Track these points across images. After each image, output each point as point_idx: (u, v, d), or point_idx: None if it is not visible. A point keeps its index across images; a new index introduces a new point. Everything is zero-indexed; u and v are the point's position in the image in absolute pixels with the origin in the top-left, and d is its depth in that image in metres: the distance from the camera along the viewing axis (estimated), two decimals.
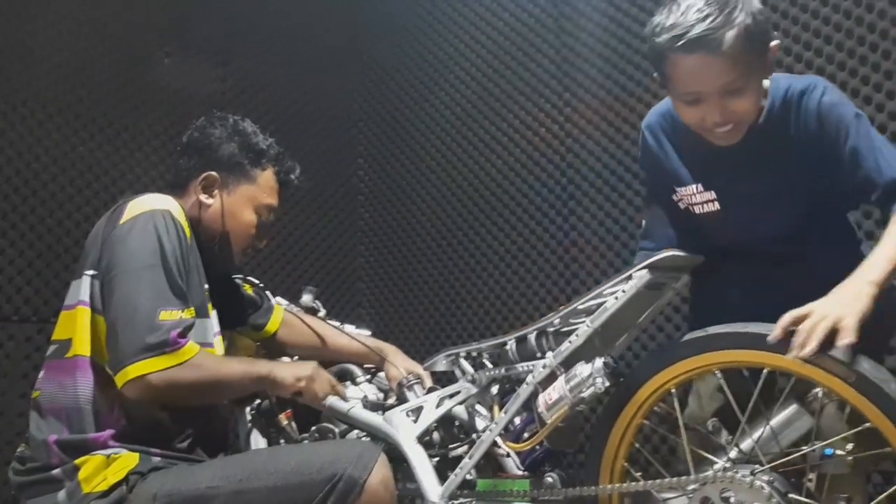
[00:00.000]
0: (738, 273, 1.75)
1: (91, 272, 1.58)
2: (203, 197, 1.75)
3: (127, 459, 1.49)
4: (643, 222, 1.93)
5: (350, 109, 3.76)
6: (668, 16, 1.54)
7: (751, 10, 1.50)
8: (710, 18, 1.48)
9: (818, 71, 2.29)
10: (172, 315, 1.50)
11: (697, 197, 1.73)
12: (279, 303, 2.21)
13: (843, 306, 1.39)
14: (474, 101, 3.29)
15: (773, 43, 1.57)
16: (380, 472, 1.43)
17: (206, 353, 1.55)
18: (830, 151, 1.58)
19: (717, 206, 1.71)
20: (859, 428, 1.42)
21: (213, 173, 1.75)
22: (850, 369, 1.38)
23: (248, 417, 1.94)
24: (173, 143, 2.88)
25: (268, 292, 2.21)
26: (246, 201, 1.79)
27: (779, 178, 1.64)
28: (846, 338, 1.35)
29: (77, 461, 1.48)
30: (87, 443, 1.50)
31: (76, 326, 1.57)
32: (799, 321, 1.42)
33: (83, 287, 1.58)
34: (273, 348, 2.05)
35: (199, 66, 3.18)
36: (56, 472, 1.49)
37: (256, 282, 2.18)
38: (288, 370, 1.67)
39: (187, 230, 1.64)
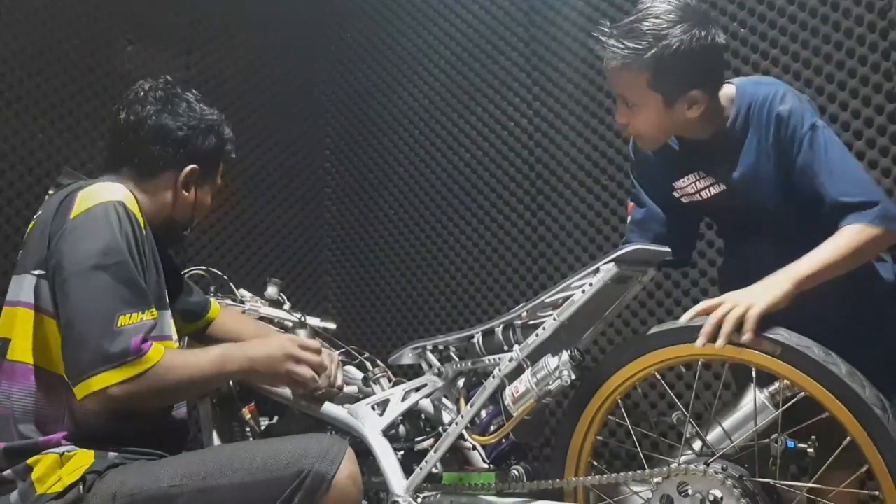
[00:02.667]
0: (754, 252, 1.79)
1: (38, 272, 1.47)
2: (183, 191, 1.66)
3: (82, 458, 1.42)
4: (631, 216, 1.92)
5: (317, 101, 3.72)
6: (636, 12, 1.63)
7: (679, 51, 1.57)
8: (640, 34, 1.58)
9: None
10: (133, 319, 1.41)
11: (701, 183, 1.76)
12: (243, 295, 2.18)
13: (753, 296, 1.46)
14: (443, 93, 3.28)
15: (693, 92, 1.63)
16: (347, 468, 1.40)
17: (170, 354, 1.45)
18: (787, 159, 1.62)
19: (723, 186, 1.73)
20: (791, 400, 1.44)
21: (197, 167, 1.67)
22: (775, 343, 1.42)
23: (210, 410, 1.91)
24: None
25: (232, 284, 2.19)
26: (213, 189, 1.75)
27: (756, 173, 1.68)
28: (748, 330, 1.43)
29: (29, 461, 1.41)
30: (38, 445, 1.43)
31: (15, 328, 1.47)
32: (710, 310, 1.49)
33: (25, 286, 1.48)
34: (202, 342, 1.95)
35: (163, 54, 3.12)
36: (7, 473, 1.42)
37: (220, 273, 2.15)
38: (270, 354, 1.58)
39: (141, 220, 1.54)
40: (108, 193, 1.51)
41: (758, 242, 1.75)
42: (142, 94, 1.66)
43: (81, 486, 1.39)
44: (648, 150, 1.73)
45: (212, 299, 1.97)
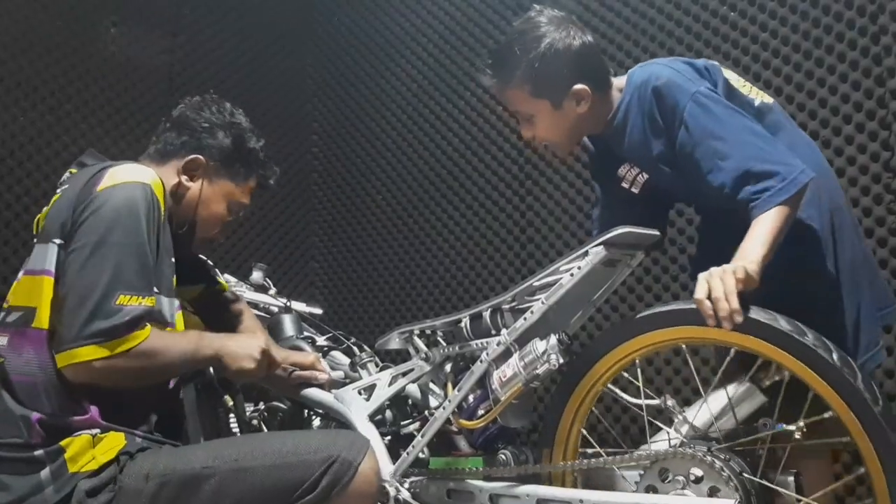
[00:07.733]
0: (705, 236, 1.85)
1: (59, 240, 1.50)
2: (184, 178, 1.68)
3: (115, 439, 1.45)
4: (593, 210, 1.97)
5: (304, 84, 3.69)
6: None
7: (546, 57, 1.67)
8: (510, 53, 1.70)
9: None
10: (132, 300, 1.44)
11: (632, 172, 1.80)
12: (228, 281, 2.16)
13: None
14: (431, 77, 3.26)
15: (576, 87, 1.70)
16: (370, 460, 1.47)
17: (155, 334, 1.48)
18: (670, 135, 1.65)
19: (646, 174, 1.78)
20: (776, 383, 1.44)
21: (201, 157, 1.69)
22: (744, 318, 1.42)
23: (195, 396, 1.89)
24: (125, 113, 2.82)
25: (216, 269, 2.16)
26: (224, 195, 1.73)
27: (653, 157, 1.72)
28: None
29: (62, 443, 1.43)
30: (73, 424, 1.45)
31: (42, 296, 1.49)
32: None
33: (49, 254, 1.50)
34: (205, 319, 1.96)
35: (148, 37, 3.08)
36: (39, 453, 1.43)
37: (205, 259, 2.12)
38: (238, 351, 1.61)
39: (163, 206, 1.57)
40: (137, 174, 1.54)
41: (714, 220, 1.79)
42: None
43: (116, 466, 1.43)
44: (564, 155, 1.84)
45: (223, 283, 1.98)
